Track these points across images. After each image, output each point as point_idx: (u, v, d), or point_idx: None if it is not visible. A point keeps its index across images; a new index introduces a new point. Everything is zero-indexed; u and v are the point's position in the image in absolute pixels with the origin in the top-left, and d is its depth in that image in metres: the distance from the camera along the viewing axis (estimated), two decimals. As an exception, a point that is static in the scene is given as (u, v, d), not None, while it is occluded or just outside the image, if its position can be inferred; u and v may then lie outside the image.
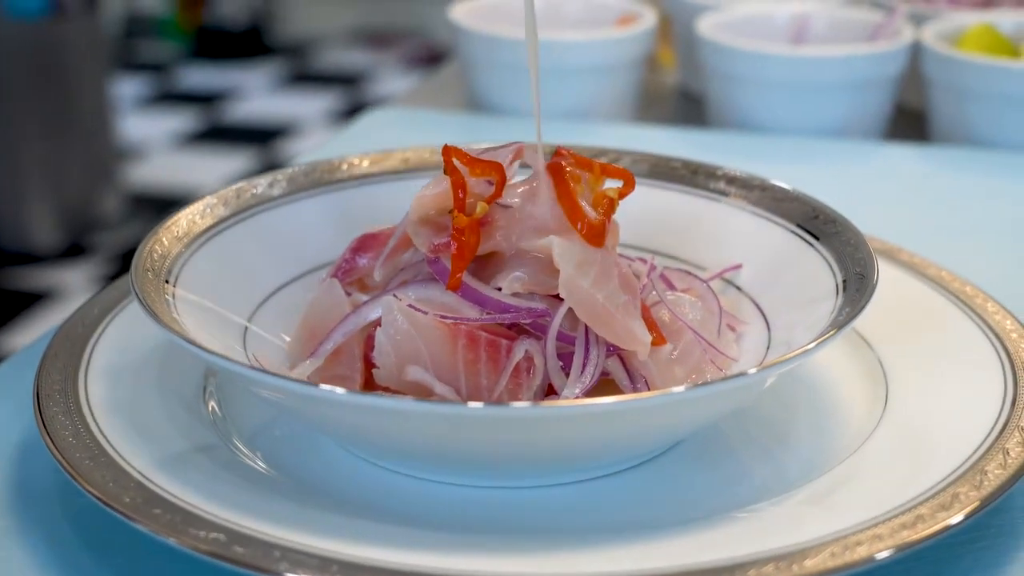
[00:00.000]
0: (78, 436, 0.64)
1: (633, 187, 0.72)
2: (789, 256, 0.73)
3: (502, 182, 0.68)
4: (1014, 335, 0.71)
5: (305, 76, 4.56)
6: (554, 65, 1.21)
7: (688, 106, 1.37)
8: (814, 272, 0.70)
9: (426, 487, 0.65)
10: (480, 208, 0.67)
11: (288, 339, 0.74)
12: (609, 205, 0.70)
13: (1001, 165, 1.11)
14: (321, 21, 4.91)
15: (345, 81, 4.50)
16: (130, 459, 0.63)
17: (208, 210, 0.76)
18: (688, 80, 1.40)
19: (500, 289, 0.68)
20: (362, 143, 1.17)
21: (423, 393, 0.68)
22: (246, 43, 4.69)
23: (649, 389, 0.68)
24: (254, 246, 0.77)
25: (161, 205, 3.38)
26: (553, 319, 0.67)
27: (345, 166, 0.83)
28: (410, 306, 0.67)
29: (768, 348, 0.70)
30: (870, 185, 1.09)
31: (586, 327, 0.67)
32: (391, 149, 0.84)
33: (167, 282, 0.70)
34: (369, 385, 0.70)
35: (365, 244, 0.75)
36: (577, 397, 0.65)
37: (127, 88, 4.30)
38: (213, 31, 4.68)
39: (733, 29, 1.24)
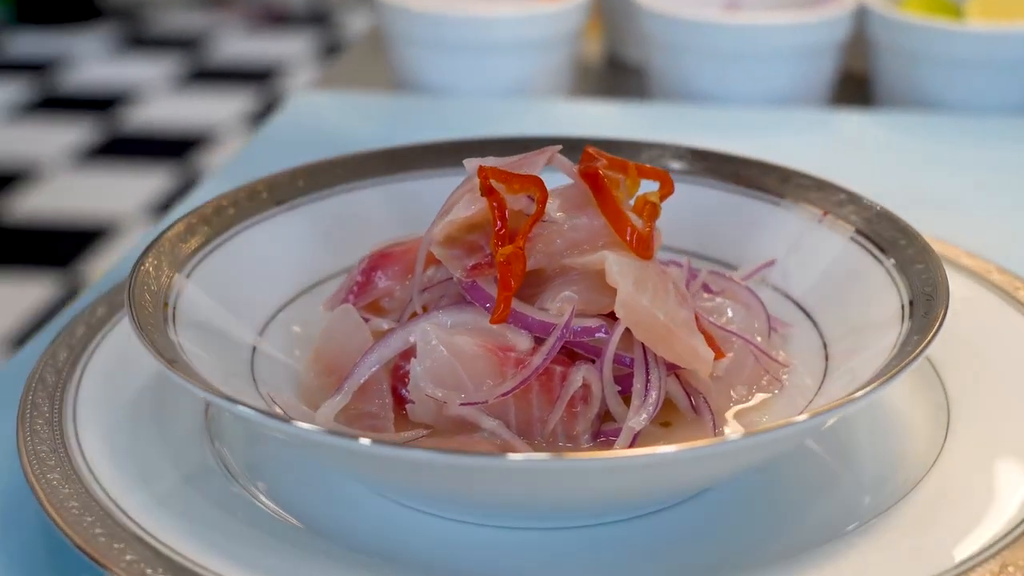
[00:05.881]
0: (68, 480, 0.57)
1: (672, 189, 0.67)
2: (842, 261, 0.68)
3: (544, 199, 0.62)
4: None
5: (141, 40, 4.37)
6: (488, 41, 1.15)
7: (618, 75, 1.32)
8: (876, 286, 0.65)
9: (447, 527, 0.59)
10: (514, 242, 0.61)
11: (298, 356, 0.68)
12: (652, 211, 0.65)
13: (951, 128, 1.09)
14: (154, -18, 4.71)
15: (184, 44, 4.32)
16: (123, 506, 0.56)
17: (198, 225, 0.69)
18: (617, 48, 1.35)
19: (547, 309, 0.62)
20: (294, 132, 1.10)
21: (465, 429, 0.62)
22: (74, 7, 4.46)
23: (709, 407, 0.63)
24: (253, 260, 0.70)
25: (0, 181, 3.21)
26: (609, 340, 0.61)
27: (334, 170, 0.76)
28: (449, 333, 0.61)
29: (826, 361, 0.65)
30: (821, 153, 1.06)
31: (642, 346, 0.62)
32: (377, 148, 0.77)
33: (166, 304, 0.63)
34: (402, 423, 0.64)
35: (380, 263, 0.68)
36: (643, 426, 0.60)
37: (-50, 58, 4.07)
38: (38, -5, 4.45)
39: (668, -5, 1.19)
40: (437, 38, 1.15)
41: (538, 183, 0.62)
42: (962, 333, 0.69)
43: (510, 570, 0.56)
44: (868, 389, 0.55)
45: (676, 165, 0.76)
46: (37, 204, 3.09)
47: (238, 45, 4.30)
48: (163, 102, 3.81)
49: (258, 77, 3.98)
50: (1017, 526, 0.56)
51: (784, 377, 0.66)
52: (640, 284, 0.61)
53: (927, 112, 1.13)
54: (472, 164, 0.63)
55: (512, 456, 0.51)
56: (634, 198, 0.66)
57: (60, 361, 0.67)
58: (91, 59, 4.18)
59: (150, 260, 0.64)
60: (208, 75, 4.03)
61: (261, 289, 0.70)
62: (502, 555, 0.57)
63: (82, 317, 0.71)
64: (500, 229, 0.61)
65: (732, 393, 0.65)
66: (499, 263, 0.61)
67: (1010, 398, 0.65)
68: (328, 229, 0.73)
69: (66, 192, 3.15)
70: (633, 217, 0.64)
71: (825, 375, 0.65)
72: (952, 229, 0.86)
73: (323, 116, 1.12)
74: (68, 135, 3.49)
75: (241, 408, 0.53)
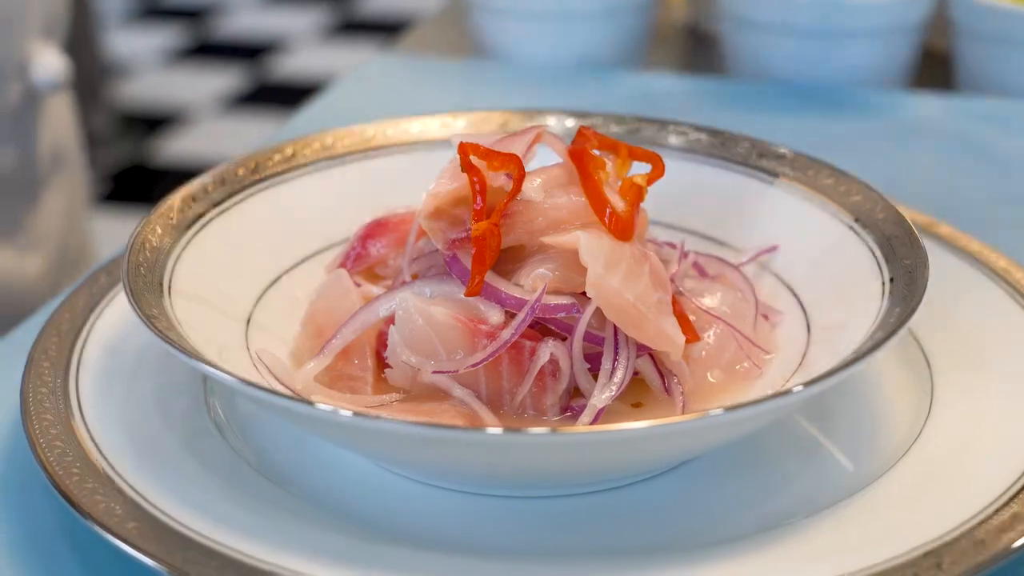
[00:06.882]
0: (75, 457, 0.59)
1: (662, 172, 0.67)
2: (832, 244, 0.68)
3: (520, 177, 0.63)
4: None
5: (294, -10, 4.46)
6: (560, 8, 1.15)
7: (698, 46, 1.32)
8: (859, 265, 0.65)
9: (433, 493, 0.60)
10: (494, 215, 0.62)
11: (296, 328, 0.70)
12: (637, 193, 0.66)
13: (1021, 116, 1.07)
14: (310, -68, 4.79)
15: (335, -5, 4.40)
16: (125, 475, 0.58)
17: (203, 191, 0.72)
18: (699, 18, 1.34)
19: (521, 285, 0.64)
20: (367, 94, 1.12)
21: (438, 396, 0.64)
22: (232, -45, 4.57)
23: (682, 388, 0.64)
24: (252, 230, 0.72)
25: (152, 123, 3.31)
26: (580, 319, 0.62)
27: (345, 139, 0.78)
28: (427, 303, 0.63)
29: (807, 345, 0.66)
30: (896, 137, 1.05)
31: (614, 326, 0.63)
32: (398, 118, 0.79)
33: (162, 282, 0.65)
34: (381, 386, 0.66)
35: (376, 231, 0.70)
36: (606, 404, 0.61)
37: (111, 1, 4.20)
38: (198, -57, 4.56)
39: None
40: (512, 5, 1.16)
41: (516, 161, 0.63)
42: (961, 332, 0.69)
43: (495, 536, 0.58)
44: (848, 365, 0.56)
45: (686, 143, 0.76)
46: (184, 147, 3.19)
47: (386, -2, 4.35)
48: (309, 52, 3.88)
49: (402, 29, 4.03)
50: (1001, 496, 0.57)
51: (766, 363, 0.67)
52: (612, 265, 0.62)
53: (1003, 98, 1.10)
54: (457, 139, 0.65)
55: (445, 429, 0.53)
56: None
57: (78, 308, 0.71)
58: (242, 8, 4.27)
59: (154, 222, 0.67)
60: (354, 27, 4.10)
61: (264, 253, 0.72)
62: (485, 521, 0.59)
63: (107, 267, 0.74)
64: (478, 205, 0.63)
65: (709, 376, 0.66)
66: (474, 238, 0.62)
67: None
68: (343, 194, 0.76)
69: (212, 137, 3.24)
70: (614, 198, 0.64)
71: (806, 347, 0.65)
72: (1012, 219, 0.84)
73: (395, 81, 1.14)
74: (217, 81, 3.59)
75: (200, 364, 0.56)
